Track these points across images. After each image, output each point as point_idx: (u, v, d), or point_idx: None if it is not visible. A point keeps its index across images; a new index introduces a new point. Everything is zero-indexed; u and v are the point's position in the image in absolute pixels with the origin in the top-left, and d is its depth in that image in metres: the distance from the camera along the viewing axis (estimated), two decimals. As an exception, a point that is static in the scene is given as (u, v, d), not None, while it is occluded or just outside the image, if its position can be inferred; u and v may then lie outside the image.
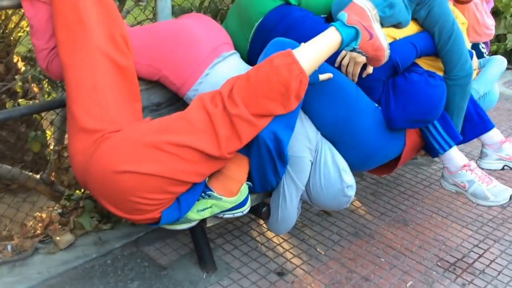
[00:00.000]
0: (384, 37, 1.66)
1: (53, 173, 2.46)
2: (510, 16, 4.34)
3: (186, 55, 1.82)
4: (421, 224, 2.47)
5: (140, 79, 1.82)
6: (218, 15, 2.89)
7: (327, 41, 1.61)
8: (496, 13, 4.27)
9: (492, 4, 2.84)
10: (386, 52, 1.68)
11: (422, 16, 2.00)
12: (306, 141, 1.81)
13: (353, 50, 1.66)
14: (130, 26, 2.54)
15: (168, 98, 1.99)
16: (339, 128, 1.87)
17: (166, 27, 1.89)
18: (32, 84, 3.29)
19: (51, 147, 2.75)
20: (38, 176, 2.52)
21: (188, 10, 2.85)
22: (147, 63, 1.83)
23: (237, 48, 2.06)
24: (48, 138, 2.84)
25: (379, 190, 2.75)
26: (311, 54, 1.60)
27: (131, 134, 1.54)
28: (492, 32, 2.53)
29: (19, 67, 3.34)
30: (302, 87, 1.59)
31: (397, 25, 1.93)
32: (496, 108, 3.47)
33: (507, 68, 4.58)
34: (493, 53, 4.47)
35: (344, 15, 1.61)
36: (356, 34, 1.62)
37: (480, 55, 2.75)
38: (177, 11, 2.77)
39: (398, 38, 1.96)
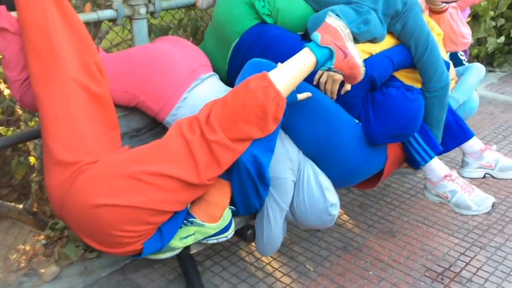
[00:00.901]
0: (359, 55, 1.67)
1: (35, 204, 2.44)
2: (490, 20, 4.38)
3: (163, 79, 1.82)
4: (408, 235, 2.48)
5: (117, 106, 1.81)
6: (198, 33, 2.90)
7: (302, 62, 1.63)
8: (475, 16, 4.32)
9: (468, 12, 2.88)
10: (362, 70, 1.69)
11: (398, 30, 2.02)
12: (287, 162, 1.81)
13: (329, 69, 1.68)
14: (107, 49, 2.55)
15: (147, 123, 1.98)
16: (320, 146, 1.88)
17: (141, 52, 1.89)
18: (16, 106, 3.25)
19: (35, 173, 2.73)
20: (21, 206, 2.50)
21: (167, 28, 2.85)
22: (123, 89, 1.82)
23: (215, 68, 2.06)
24: (32, 163, 2.82)
25: (366, 202, 2.76)
26: (287, 76, 1.61)
27: (108, 165, 1.53)
28: (468, 41, 2.56)
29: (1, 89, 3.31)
30: (280, 109, 1.59)
31: (373, 40, 1.96)
32: (478, 111, 3.49)
33: (489, 71, 4.66)
34: (474, 56, 4.53)
35: (317, 36, 1.62)
36: (331, 54, 1.63)
37: (459, 63, 2.78)
38: (156, 30, 2.77)
39: (374, 53, 1.97)
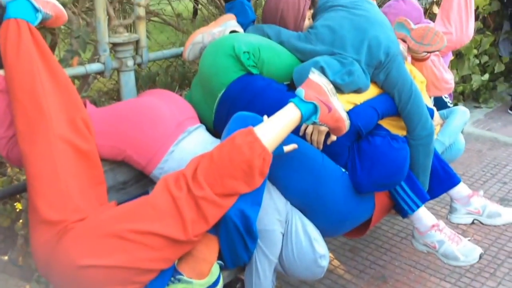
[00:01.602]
0: (343, 108, 1.71)
1: (20, 258, 2.40)
2: (473, 57, 4.48)
3: (150, 133, 1.84)
4: (400, 280, 2.47)
5: (104, 160, 1.82)
6: (185, 80, 2.93)
7: (287, 117, 1.66)
8: (459, 55, 4.42)
9: (450, 57, 2.95)
10: (346, 122, 1.72)
11: (381, 79, 2.07)
12: (275, 213, 1.82)
13: (314, 123, 1.70)
14: (94, 98, 2.58)
15: (134, 176, 1.99)
16: (308, 196, 1.89)
17: (127, 107, 1.91)
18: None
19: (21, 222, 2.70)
20: (6, 258, 2.46)
21: (154, 75, 2.89)
22: (110, 144, 1.83)
23: (202, 118, 2.09)
24: (18, 210, 2.79)
25: (357, 246, 2.76)
26: (272, 131, 1.63)
27: (94, 224, 1.53)
28: (451, 86, 2.61)
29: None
30: (266, 164, 1.61)
31: (357, 90, 2.01)
32: (466, 149, 3.52)
33: (475, 107, 4.74)
34: (460, 93, 4.61)
35: (301, 91, 1.66)
36: (315, 109, 1.66)
37: (443, 105, 2.83)
38: (144, 77, 2.81)
39: (359, 103, 2.01)
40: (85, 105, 1.85)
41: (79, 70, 2.04)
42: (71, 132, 1.65)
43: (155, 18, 3.29)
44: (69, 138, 1.63)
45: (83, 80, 2.40)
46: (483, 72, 4.69)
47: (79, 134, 1.67)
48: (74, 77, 2.14)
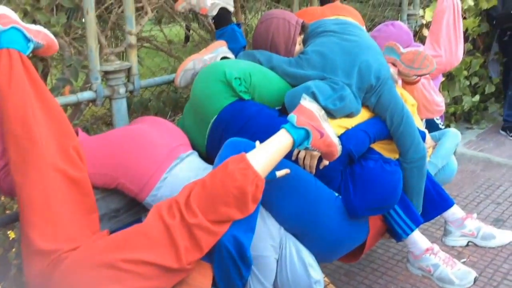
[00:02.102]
0: (334, 133, 1.73)
1: (12, 288, 2.38)
2: (464, 79, 4.54)
3: (142, 161, 1.85)
4: (396, 304, 2.47)
5: (96, 187, 1.82)
6: (177, 105, 2.95)
7: (279, 143, 1.67)
8: (450, 76, 4.48)
9: (440, 80, 2.99)
10: (338, 147, 1.74)
11: (373, 103, 2.09)
12: (269, 239, 1.82)
13: (306, 148, 1.72)
14: (86, 125, 2.58)
15: (126, 203, 1.98)
16: (301, 221, 1.89)
17: (119, 134, 1.92)
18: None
19: (14, 250, 2.68)
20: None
21: (146, 101, 2.91)
22: (103, 172, 1.84)
23: (195, 144, 2.10)
24: (11, 239, 2.77)
25: (352, 269, 2.75)
26: (264, 157, 1.64)
27: (87, 254, 1.52)
28: (442, 108, 2.65)
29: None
30: (259, 190, 1.62)
31: (349, 115, 2.03)
32: (459, 170, 3.55)
33: (467, 128, 4.78)
34: (451, 114, 4.66)
35: (293, 117, 1.68)
36: (307, 134, 1.68)
37: (435, 127, 2.86)
38: (136, 103, 2.82)
39: (350, 127, 2.02)
40: (77, 133, 1.87)
41: (71, 98, 2.05)
42: (63, 161, 1.66)
43: (147, 44, 3.33)
44: (60, 166, 1.63)
45: (75, 107, 2.41)
46: (474, 94, 4.75)
47: (71, 162, 1.68)
48: (66, 105, 2.15)
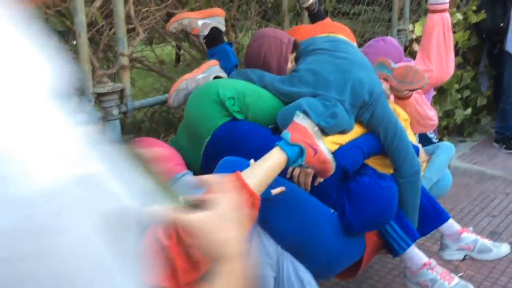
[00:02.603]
0: (328, 150, 1.74)
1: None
2: (455, 92, 4.59)
3: (137, 182, 1.85)
4: (395, 320, 2.46)
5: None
6: (171, 125, 2.96)
7: (273, 160, 1.68)
8: (441, 90, 4.52)
9: (432, 94, 3.03)
10: (332, 164, 1.76)
11: (366, 119, 2.12)
12: (266, 258, 1.82)
13: (300, 166, 1.73)
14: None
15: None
16: (298, 238, 1.89)
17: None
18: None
19: None
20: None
21: (140, 121, 2.92)
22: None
23: (190, 164, 2.10)
24: None
25: (349, 286, 2.74)
26: (259, 174, 1.65)
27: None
28: (435, 122, 2.68)
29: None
30: (255, 209, 1.62)
31: (342, 131, 2.04)
32: (454, 184, 3.55)
33: (460, 141, 4.81)
34: (444, 127, 4.69)
35: (287, 134, 1.69)
36: (301, 151, 1.69)
37: (429, 141, 2.89)
38: (130, 125, 2.83)
39: (344, 143, 2.04)
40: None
41: (63, 121, 2.06)
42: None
43: (138, 65, 3.35)
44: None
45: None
46: (466, 107, 4.79)
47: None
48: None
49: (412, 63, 2.86)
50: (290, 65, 2.31)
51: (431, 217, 2.23)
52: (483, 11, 4.64)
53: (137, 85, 3.50)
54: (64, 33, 2.51)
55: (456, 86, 4.59)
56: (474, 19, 4.59)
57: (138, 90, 3.60)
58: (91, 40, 2.72)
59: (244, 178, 1.62)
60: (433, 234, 3.08)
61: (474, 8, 4.62)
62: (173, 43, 3.67)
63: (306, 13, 3.07)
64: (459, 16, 4.39)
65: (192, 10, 2.67)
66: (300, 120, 1.72)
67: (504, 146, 4.62)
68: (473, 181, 3.98)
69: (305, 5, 2.83)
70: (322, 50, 2.26)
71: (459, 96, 4.66)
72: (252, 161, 1.75)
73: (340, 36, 2.51)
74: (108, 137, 2.20)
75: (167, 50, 4.23)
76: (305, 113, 1.91)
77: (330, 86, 2.09)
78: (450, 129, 4.81)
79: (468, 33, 4.67)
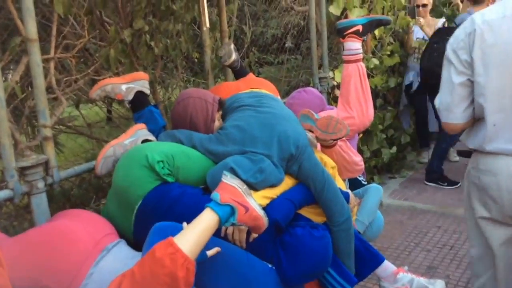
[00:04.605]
0: (259, 207, 1.77)
1: None
2: (380, 132, 4.81)
3: (65, 258, 1.79)
4: None
5: (20, 293, 1.73)
6: (100, 191, 2.90)
7: (205, 222, 1.68)
8: (367, 132, 4.72)
9: (356, 140, 3.16)
10: (265, 220, 1.78)
11: (295, 171, 2.18)
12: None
13: (233, 224, 1.74)
14: (6, 226, 2.48)
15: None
16: (239, 299, 1.88)
17: (38, 233, 1.86)
18: None
19: None
20: None
21: (68, 191, 2.85)
22: (24, 275, 1.76)
23: (121, 231, 2.06)
24: None
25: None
26: (192, 238, 1.65)
27: None
28: (361, 167, 2.79)
29: None
30: (190, 274, 1.60)
31: (272, 185, 2.08)
32: (387, 221, 3.68)
33: (390, 177, 5.01)
34: (373, 166, 4.88)
35: (217, 195, 1.71)
36: (232, 211, 1.71)
37: (359, 184, 2.99)
38: (58, 195, 2.76)
39: (275, 197, 2.08)
40: (-6, 236, 1.79)
41: (-14, 200, 1.98)
42: (-20, 268, 1.58)
43: (67, 129, 3.29)
44: (-22, 275, 1.55)
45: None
46: (391, 145, 5.02)
47: (-12, 268, 1.60)
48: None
49: (334, 110, 2.99)
50: (217, 123, 2.36)
51: (367, 260, 2.29)
52: (396, 55, 4.95)
53: (66, 149, 3.41)
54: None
55: (380, 126, 4.82)
56: (389, 62, 4.89)
57: (68, 152, 3.50)
58: (13, 111, 2.65)
59: (177, 243, 1.61)
60: (372, 276, 3.16)
61: (388, 52, 4.92)
62: (101, 104, 3.64)
63: (229, 69, 3.16)
64: (375, 61, 4.66)
65: (116, 75, 2.68)
66: (228, 179, 1.75)
67: (445, 184, 4.70)
68: (405, 217, 4.12)
69: (227, 63, 2.92)
70: (246, 106, 2.32)
71: (384, 136, 4.89)
72: (185, 224, 1.75)
73: (263, 91, 2.60)
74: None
75: (94, 110, 4.17)
76: (233, 171, 1.94)
77: (257, 142, 2.14)
78: (379, 168, 5.00)
79: (386, 76, 4.95)
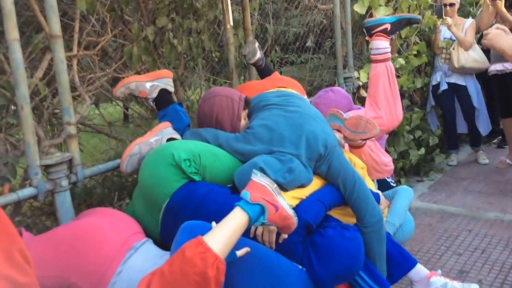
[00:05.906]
0: (289, 206, 1.77)
1: None
2: (407, 133, 4.78)
3: (93, 256, 1.81)
4: None
5: (47, 291, 1.76)
6: (124, 192, 2.93)
7: (235, 221, 1.69)
8: (393, 132, 4.69)
9: (385, 139, 3.14)
10: (294, 219, 1.78)
11: (324, 171, 2.17)
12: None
13: (263, 224, 1.75)
14: (29, 224, 2.51)
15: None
16: (268, 300, 1.88)
17: (66, 232, 1.88)
18: None
19: None
20: None
21: (91, 189, 2.87)
22: (52, 274, 1.78)
23: (147, 231, 2.08)
24: None
25: None
26: (222, 237, 1.65)
27: None
28: (391, 167, 2.77)
29: None
30: (220, 273, 1.61)
31: (301, 185, 2.08)
32: (416, 224, 3.63)
33: (417, 181, 4.96)
34: (400, 169, 4.84)
35: (247, 194, 1.71)
36: (262, 210, 1.71)
37: (387, 186, 2.97)
38: (80, 194, 2.78)
39: (305, 197, 2.08)
40: (20, 234, 1.82)
41: (11, 197, 2.00)
42: (8, 266, 1.59)
43: (86, 128, 3.32)
44: (6, 273, 1.56)
45: (15, 205, 2.35)
46: (419, 146, 4.98)
47: (17, 267, 1.61)
48: (6, 205, 2.10)
49: (362, 110, 2.98)
50: (243, 122, 2.36)
51: (399, 263, 2.27)
52: (423, 55, 4.92)
53: (85, 149, 3.44)
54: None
55: (407, 127, 4.78)
56: (416, 62, 4.85)
57: (86, 154, 3.53)
58: (34, 108, 2.69)
59: (207, 242, 1.62)
60: (403, 280, 3.13)
61: (415, 52, 4.88)
62: (119, 103, 3.68)
63: (253, 68, 3.17)
64: (401, 61, 4.63)
65: (138, 73, 2.70)
66: (258, 178, 1.75)
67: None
68: (435, 221, 4.08)
69: (252, 61, 2.93)
70: (273, 105, 2.33)
71: (411, 137, 4.85)
72: (213, 223, 1.75)
73: (290, 90, 2.60)
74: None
75: (110, 110, 4.20)
76: (262, 170, 1.94)
77: (285, 141, 2.14)
78: (406, 170, 4.96)
79: (412, 76, 4.91)
